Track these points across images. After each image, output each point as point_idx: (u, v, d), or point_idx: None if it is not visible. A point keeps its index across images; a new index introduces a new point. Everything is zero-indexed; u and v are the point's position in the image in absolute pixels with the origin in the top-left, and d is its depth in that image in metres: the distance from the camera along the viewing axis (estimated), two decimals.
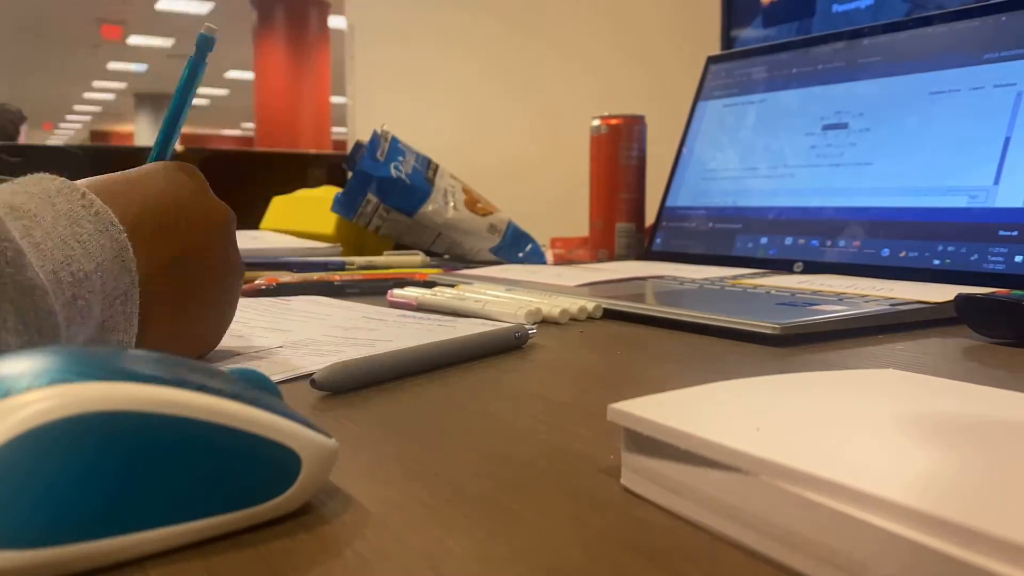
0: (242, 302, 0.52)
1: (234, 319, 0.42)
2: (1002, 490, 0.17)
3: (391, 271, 0.76)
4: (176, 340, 0.37)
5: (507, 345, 0.43)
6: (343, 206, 0.89)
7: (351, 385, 0.34)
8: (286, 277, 0.69)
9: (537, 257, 0.93)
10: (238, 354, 0.42)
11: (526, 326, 0.44)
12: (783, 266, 0.75)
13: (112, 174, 0.37)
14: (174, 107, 0.40)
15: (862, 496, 0.16)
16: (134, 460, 0.18)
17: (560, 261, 0.98)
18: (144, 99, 13.09)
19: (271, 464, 0.20)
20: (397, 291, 0.62)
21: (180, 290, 0.36)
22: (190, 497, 0.19)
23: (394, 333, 0.48)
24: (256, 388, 0.21)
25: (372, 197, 0.87)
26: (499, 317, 0.53)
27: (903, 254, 0.68)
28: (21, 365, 0.18)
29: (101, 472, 0.17)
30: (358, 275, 0.72)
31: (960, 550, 0.14)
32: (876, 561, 0.16)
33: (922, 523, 0.15)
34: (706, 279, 0.69)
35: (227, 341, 0.44)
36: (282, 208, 1.06)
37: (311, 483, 0.21)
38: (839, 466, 0.18)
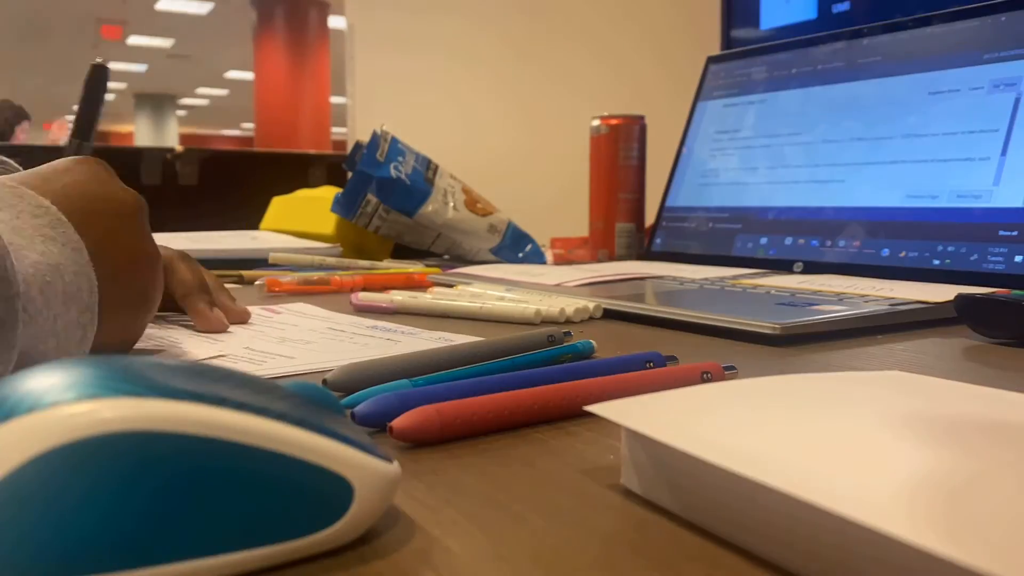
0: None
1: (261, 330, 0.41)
2: (1004, 494, 0.17)
3: (391, 272, 0.76)
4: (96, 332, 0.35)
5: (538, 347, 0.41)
6: (343, 206, 0.89)
7: (363, 386, 0.34)
8: (287, 278, 0.69)
9: (537, 257, 0.93)
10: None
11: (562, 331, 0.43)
12: (783, 266, 0.75)
13: (25, 171, 0.37)
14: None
15: (862, 498, 0.16)
16: (167, 485, 0.16)
17: (560, 261, 0.98)
18: (144, 99, 13.08)
19: (317, 493, 0.18)
20: (366, 295, 0.62)
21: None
22: (225, 527, 0.17)
23: (407, 341, 0.47)
24: (314, 405, 0.20)
25: (372, 197, 0.87)
26: (499, 318, 0.53)
27: (903, 254, 0.68)
28: (47, 378, 0.17)
29: (131, 497, 0.16)
30: (357, 276, 0.72)
31: (961, 551, 0.14)
32: (876, 563, 0.16)
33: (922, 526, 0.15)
34: (706, 279, 0.69)
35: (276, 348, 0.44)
36: (282, 208, 1.07)
37: (366, 514, 0.19)
38: (839, 467, 0.18)
